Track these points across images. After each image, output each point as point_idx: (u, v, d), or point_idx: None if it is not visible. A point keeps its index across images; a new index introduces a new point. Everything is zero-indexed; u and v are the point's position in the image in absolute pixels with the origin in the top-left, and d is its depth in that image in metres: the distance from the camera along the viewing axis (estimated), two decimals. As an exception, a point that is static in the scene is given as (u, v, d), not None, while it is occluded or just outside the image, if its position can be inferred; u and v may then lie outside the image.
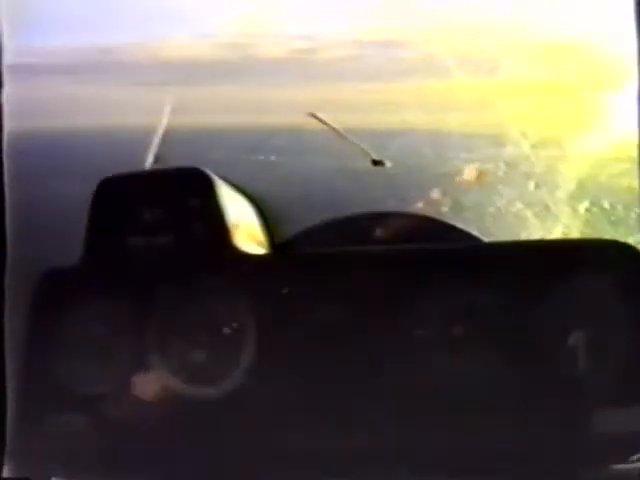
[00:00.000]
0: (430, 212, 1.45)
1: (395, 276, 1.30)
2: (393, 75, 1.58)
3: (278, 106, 1.58)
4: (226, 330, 1.31)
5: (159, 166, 1.49)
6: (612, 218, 1.45)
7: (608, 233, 1.45)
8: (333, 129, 1.50)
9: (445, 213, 1.47)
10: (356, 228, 1.42)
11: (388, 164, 1.52)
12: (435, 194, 1.48)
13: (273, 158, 1.52)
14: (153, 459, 1.30)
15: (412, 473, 1.25)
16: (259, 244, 1.41)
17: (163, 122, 1.49)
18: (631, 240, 1.35)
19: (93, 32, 1.64)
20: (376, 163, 1.52)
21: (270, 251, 1.42)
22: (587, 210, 1.46)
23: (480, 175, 1.49)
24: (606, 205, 1.46)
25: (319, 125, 1.50)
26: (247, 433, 1.28)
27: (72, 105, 1.65)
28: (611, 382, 1.25)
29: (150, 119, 1.52)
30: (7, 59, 1.26)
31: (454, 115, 1.49)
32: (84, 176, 1.40)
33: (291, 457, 1.27)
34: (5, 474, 1.22)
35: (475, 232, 1.44)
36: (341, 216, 1.46)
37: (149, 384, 1.31)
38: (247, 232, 1.38)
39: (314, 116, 1.49)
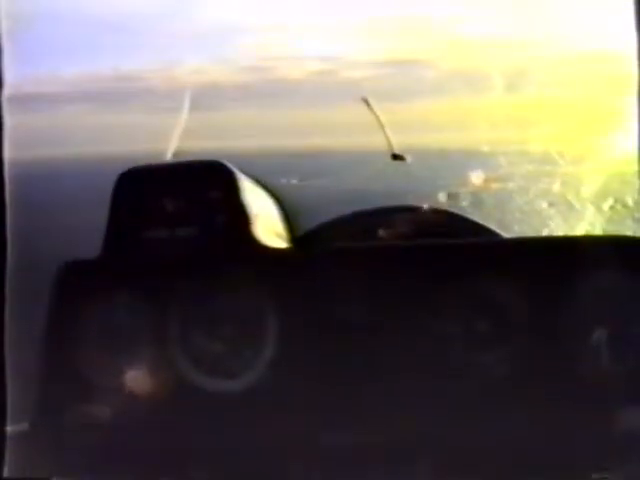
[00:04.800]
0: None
1: (418, 271, 1.29)
2: (410, 94, 1.58)
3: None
4: (247, 322, 1.30)
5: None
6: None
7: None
8: (377, 118, 1.49)
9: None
10: (380, 222, 1.41)
11: (409, 159, 1.51)
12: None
13: (294, 181, 1.52)
14: (171, 454, 1.29)
15: (430, 470, 1.25)
16: (279, 236, 1.41)
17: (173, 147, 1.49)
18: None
19: (108, 59, 1.62)
20: (396, 157, 1.51)
21: (290, 244, 1.41)
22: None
23: (487, 181, 1.49)
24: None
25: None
26: (266, 428, 1.27)
27: (87, 132, 1.64)
28: (635, 380, 1.25)
29: (164, 145, 1.49)
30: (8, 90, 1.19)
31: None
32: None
33: (310, 452, 1.27)
34: (6, 474, 1.20)
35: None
36: (365, 209, 1.45)
37: (170, 377, 1.31)
38: (267, 224, 1.38)
39: (365, 101, 1.49)
